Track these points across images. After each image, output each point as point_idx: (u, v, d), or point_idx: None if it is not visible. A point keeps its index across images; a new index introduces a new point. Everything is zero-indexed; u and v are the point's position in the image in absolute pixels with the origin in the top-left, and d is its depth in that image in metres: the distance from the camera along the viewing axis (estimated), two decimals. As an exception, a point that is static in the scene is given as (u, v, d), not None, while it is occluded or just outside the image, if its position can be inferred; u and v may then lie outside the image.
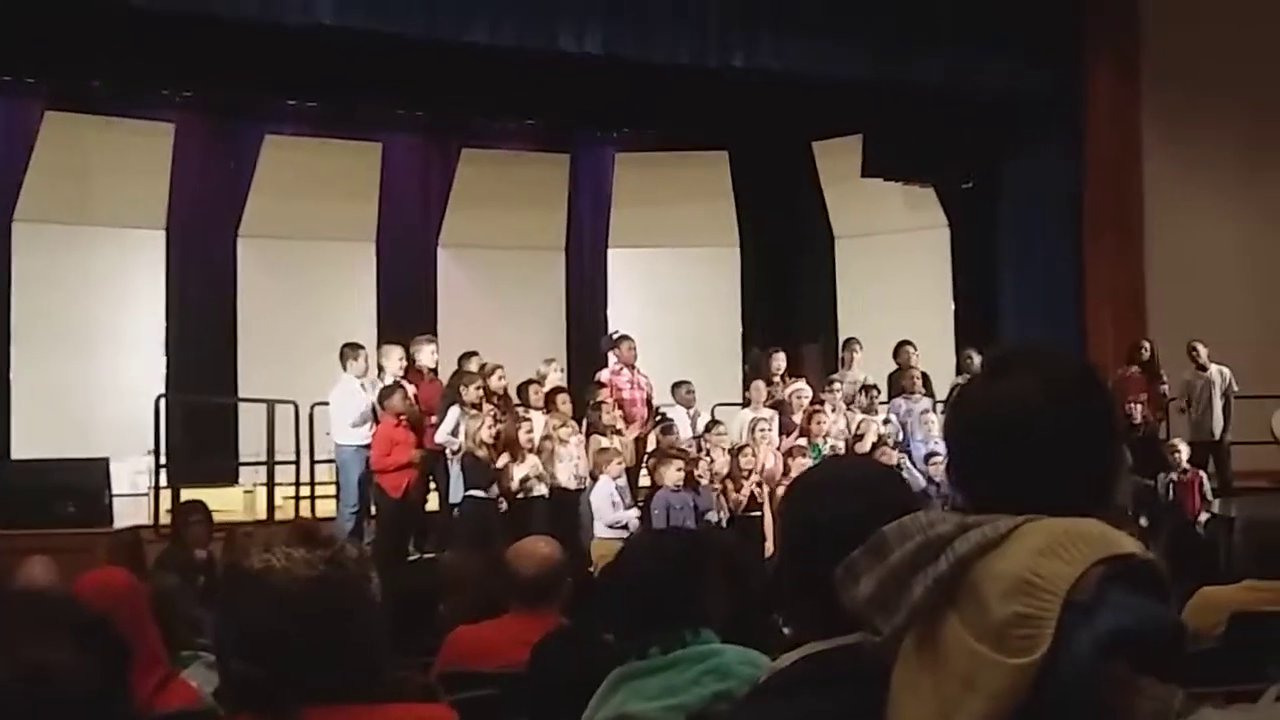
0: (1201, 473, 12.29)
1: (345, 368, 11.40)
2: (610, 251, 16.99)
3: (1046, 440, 1.78)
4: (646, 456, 11.68)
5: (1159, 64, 14.52)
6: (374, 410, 11.09)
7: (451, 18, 11.91)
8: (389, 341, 12.04)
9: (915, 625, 1.73)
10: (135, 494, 12.06)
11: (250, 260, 15.10)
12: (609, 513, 10.59)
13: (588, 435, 11.33)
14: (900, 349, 13.36)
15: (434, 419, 11.05)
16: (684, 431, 11.80)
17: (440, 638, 4.77)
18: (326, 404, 11.61)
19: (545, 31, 12.24)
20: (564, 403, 11.37)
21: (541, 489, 10.70)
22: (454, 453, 10.74)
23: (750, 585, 2.94)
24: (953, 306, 15.61)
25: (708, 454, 11.29)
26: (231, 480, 13.21)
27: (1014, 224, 15.16)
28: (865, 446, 11.91)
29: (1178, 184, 14.49)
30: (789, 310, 16.93)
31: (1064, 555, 1.64)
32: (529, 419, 10.96)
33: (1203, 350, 13.27)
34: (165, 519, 10.72)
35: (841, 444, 12.03)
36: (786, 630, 2.17)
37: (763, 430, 11.77)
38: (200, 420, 13.47)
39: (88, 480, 10.58)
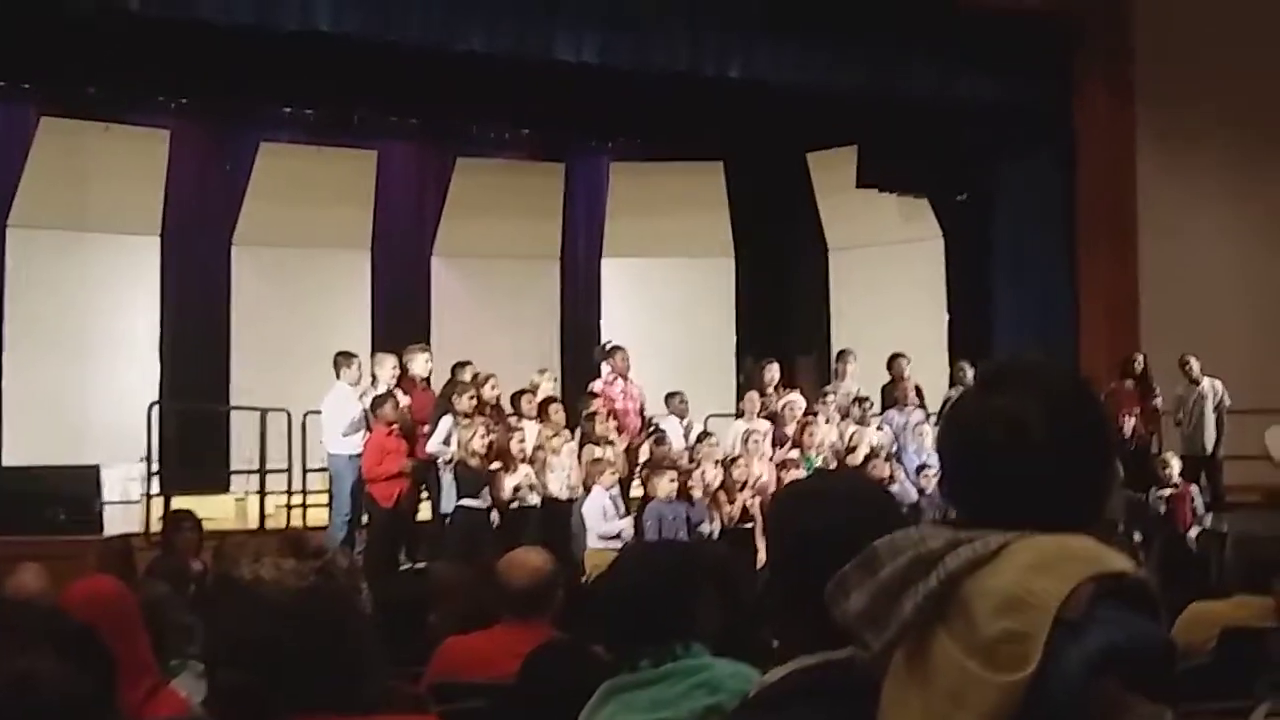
0: (1193, 487, 12.29)
1: (338, 376, 11.39)
2: (605, 261, 17.01)
3: (1040, 455, 1.77)
4: (639, 467, 11.67)
5: (1152, 77, 14.55)
6: (366, 419, 11.07)
7: (448, 26, 11.91)
8: (382, 350, 12.03)
9: (905, 641, 1.73)
10: (127, 501, 12.06)
11: (244, 267, 15.10)
12: (601, 524, 10.58)
13: (580, 445, 11.32)
14: (894, 361, 13.36)
15: (426, 428, 11.04)
16: (677, 442, 11.79)
17: (431, 648, 4.76)
18: (319, 412, 11.59)
19: (542, 40, 12.24)
20: (557, 412, 11.36)
21: (534, 499, 10.69)
22: (446, 462, 10.72)
23: (742, 598, 2.93)
24: (947, 318, 15.63)
25: (699, 465, 11.30)
26: (224, 488, 13.18)
27: (1008, 236, 15.18)
28: (857, 458, 11.92)
29: (1171, 197, 14.51)
30: (783, 321, 16.93)
31: (1055, 572, 1.64)
32: (521, 428, 10.95)
33: (1195, 364, 13.28)
34: (157, 526, 10.69)
35: (834, 455, 12.03)
36: (776, 644, 2.17)
37: (755, 441, 11.77)
38: (193, 428, 13.44)
39: (79, 487, 10.58)
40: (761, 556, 10.76)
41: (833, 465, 11.73)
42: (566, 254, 16.91)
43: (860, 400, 12.79)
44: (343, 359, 11.44)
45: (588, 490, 10.84)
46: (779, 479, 11.31)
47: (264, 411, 12.05)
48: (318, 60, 12.80)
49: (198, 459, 13.21)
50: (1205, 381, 13.27)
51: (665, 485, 10.71)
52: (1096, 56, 14.55)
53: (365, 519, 11.05)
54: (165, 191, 14.55)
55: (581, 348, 15.25)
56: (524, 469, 10.69)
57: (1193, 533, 11.84)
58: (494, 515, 10.54)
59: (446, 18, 11.87)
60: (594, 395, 11.96)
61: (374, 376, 11.43)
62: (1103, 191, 14.59)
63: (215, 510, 11.55)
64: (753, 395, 12.66)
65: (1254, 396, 13.21)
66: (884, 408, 13.12)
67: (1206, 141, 14.59)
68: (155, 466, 11.69)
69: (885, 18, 13.17)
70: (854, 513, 2.06)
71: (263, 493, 11.84)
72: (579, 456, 11.20)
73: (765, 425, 12.22)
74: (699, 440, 11.74)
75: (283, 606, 1.98)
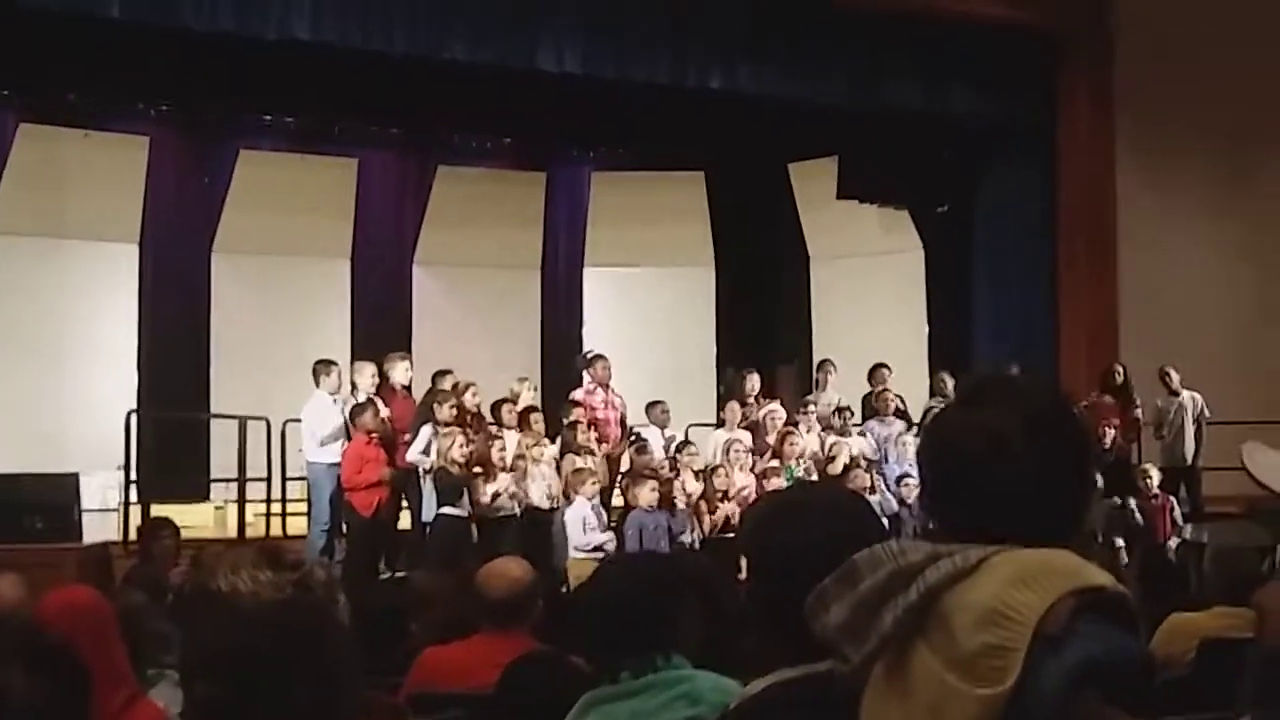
0: (1172, 498, 12.33)
1: (318, 384, 11.34)
2: (586, 270, 16.99)
3: (1019, 469, 1.78)
4: (620, 477, 11.66)
5: (1133, 91, 14.60)
6: (346, 427, 11.04)
7: (430, 34, 11.89)
8: (362, 358, 12.00)
9: (885, 654, 1.73)
10: (105, 509, 11.99)
11: (224, 275, 15.03)
12: (581, 536, 10.55)
13: (561, 455, 11.31)
14: (875, 371, 13.38)
15: (407, 437, 11.01)
16: (658, 452, 11.78)
17: (411, 657, 4.75)
18: (299, 420, 11.56)
19: (524, 50, 12.24)
20: (537, 422, 11.35)
21: (514, 507, 10.67)
22: (426, 472, 10.70)
23: (724, 609, 2.92)
24: (927, 329, 15.65)
25: (679, 474, 11.29)
26: (202, 496, 13.15)
27: (988, 248, 15.24)
28: (837, 468, 11.91)
29: (1151, 209, 14.57)
30: (764, 331, 16.94)
31: (1035, 586, 1.64)
32: (502, 437, 10.93)
33: (1175, 375, 13.31)
34: (135, 535, 10.65)
35: (815, 465, 12.03)
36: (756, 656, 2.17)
37: (736, 452, 11.77)
38: (172, 436, 13.36)
39: (57, 495, 10.53)
40: (744, 567, 10.77)
41: (814, 475, 11.73)
42: (547, 263, 16.88)
43: (841, 411, 12.80)
44: (322, 367, 11.39)
45: (569, 500, 10.82)
46: (761, 488, 11.31)
47: (243, 420, 12.00)
48: (299, 68, 12.79)
49: (177, 467, 13.13)
50: (1185, 393, 13.30)
51: (647, 494, 10.70)
52: (1078, 70, 14.60)
53: (344, 528, 11.01)
54: (144, 199, 14.47)
55: (562, 357, 15.23)
56: (504, 477, 10.67)
57: (1172, 544, 11.88)
58: (474, 524, 10.52)
59: (428, 27, 11.86)
60: (575, 404, 11.95)
61: (353, 385, 11.40)
62: (1083, 204, 14.64)
63: (194, 519, 11.51)
64: (734, 405, 12.67)
65: (1233, 407, 13.25)
66: (864, 418, 13.13)
67: (1187, 156, 14.65)
68: (134, 474, 11.65)
69: (866, 29, 13.20)
70: (834, 526, 2.06)
71: (242, 501, 11.78)
72: (559, 465, 11.19)
73: (746, 435, 12.23)
74: (679, 449, 11.75)
75: (259, 618, 1.97)
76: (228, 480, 12.35)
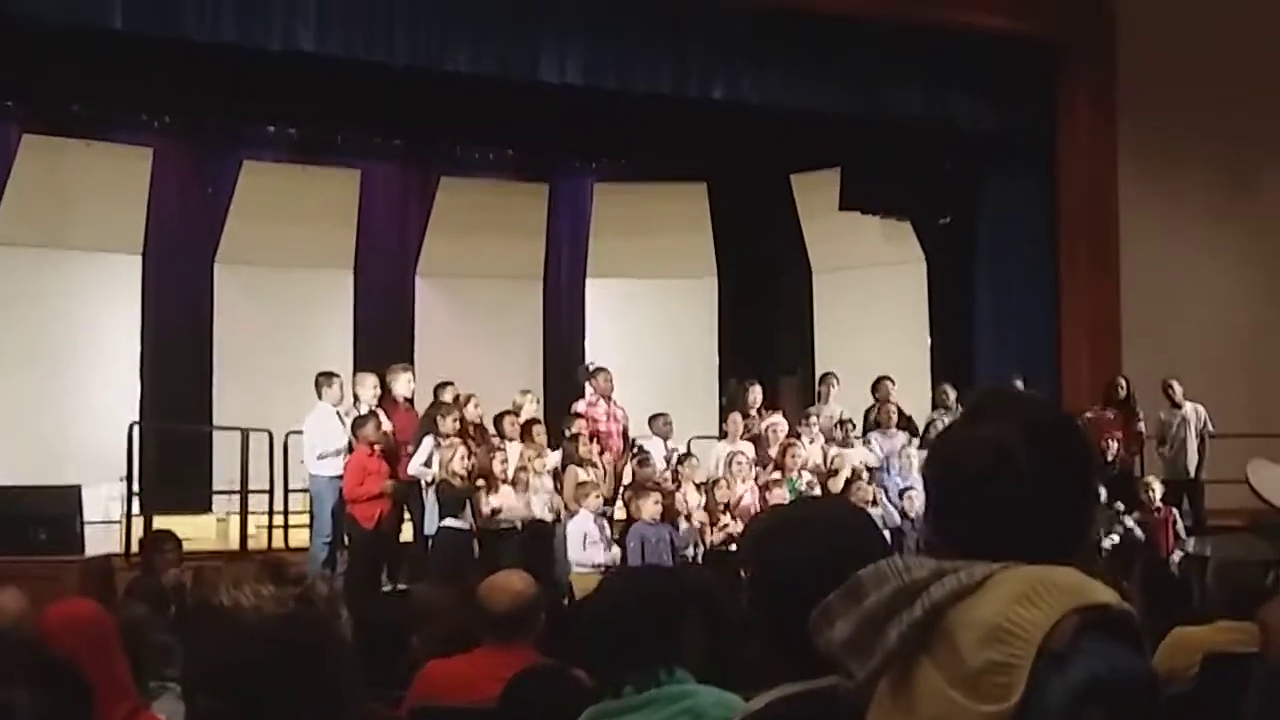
0: (1174, 511, 12.31)
1: (320, 396, 11.34)
2: (588, 282, 16.99)
3: (1023, 485, 1.78)
4: (623, 489, 11.65)
5: (1134, 99, 14.60)
6: (349, 439, 11.02)
7: (433, 46, 11.92)
8: (364, 369, 12.00)
9: (890, 670, 1.73)
10: (108, 521, 11.98)
11: (227, 286, 15.04)
12: (581, 552, 10.52)
13: (563, 466, 11.30)
14: (879, 384, 13.36)
15: (409, 449, 11.00)
16: (660, 464, 11.76)
17: (413, 671, 4.73)
18: (301, 432, 11.55)
19: (526, 60, 12.25)
20: (539, 434, 11.34)
21: (516, 520, 10.66)
22: (428, 484, 10.68)
23: (727, 623, 2.92)
24: (929, 341, 15.65)
25: (680, 486, 11.28)
26: (205, 508, 13.13)
27: (990, 259, 15.23)
28: (839, 481, 11.89)
29: (1154, 218, 14.56)
30: (766, 343, 16.95)
31: (1039, 603, 1.63)
32: (503, 449, 10.92)
33: (1178, 388, 13.30)
34: (137, 547, 10.63)
35: (817, 477, 12.01)
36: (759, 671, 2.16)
37: (739, 464, 11.75)
38: (174, 448, 13.37)
39: (59, 507, 10.49)
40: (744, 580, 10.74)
41: (816, 487, 11.70)
42: (550, 274, 16.89)
43: (843, 423, 12.79)
44: (324, 379, 11.39)
45: (572, 513, 10.80)
46: (764, 501, 11.28)
47: (246, 431, 11.99)
48: (301, 79, 12.80)
49: (179, 479, 13.12)
50: (1188, 406, 13.29)
51: (650, 507, 10.68)
52: (1079, 79, 14.61)
53: (346, 540, 11.00)
54: (148, 209, 14.49)
55: (564, 368, 15.24)
56: (506, 489, 10.66)
57: (1174, 557, 11.84)
58: (476, 537, 10.51)
59: (430, 38, 11.88)
60: (577, 416, 11.94)
61: (355, 396, 11.39)
62: (1085, 214, 14.64)
63: (196, 531, 11.49)
64: (736, 417, 12.65)
65: (1236, 420, 13.24)
66: (866, 430, 13.10)
67: (1189, 163, 14.66)
68: (136, 486, 11.64)
69: (868, 40, 13.22)
70: (837, 541, 2.06)
71: (244, 513, 11.77)
72: (560, 477, 11.17)
73: (748, 447, 12.21)
74: (680, 461, 11.73)
75: (262, 633, 1.97)
76: (230, 492, 12.33)
